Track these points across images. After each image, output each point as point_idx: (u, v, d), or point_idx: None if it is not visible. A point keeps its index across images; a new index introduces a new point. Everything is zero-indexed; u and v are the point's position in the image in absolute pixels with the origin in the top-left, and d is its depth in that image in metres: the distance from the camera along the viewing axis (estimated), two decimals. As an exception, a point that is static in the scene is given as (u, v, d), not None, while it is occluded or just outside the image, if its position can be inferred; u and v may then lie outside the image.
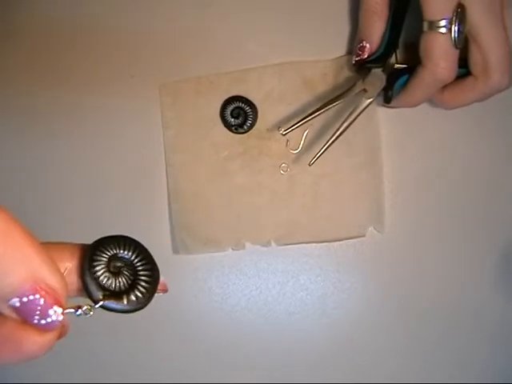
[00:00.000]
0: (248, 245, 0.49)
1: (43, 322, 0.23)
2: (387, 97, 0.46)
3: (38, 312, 0.22)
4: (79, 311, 0.24)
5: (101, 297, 0.24)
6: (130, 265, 0.25)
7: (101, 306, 0.24)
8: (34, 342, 0.23)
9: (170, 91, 0.48)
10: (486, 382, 0.50)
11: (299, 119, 0.44)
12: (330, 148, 0.49)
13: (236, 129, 0.49)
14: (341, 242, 0.50)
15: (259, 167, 0.49)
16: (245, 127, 0.49)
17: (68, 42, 0.48)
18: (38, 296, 0.22)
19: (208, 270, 0.49)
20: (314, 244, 0.50)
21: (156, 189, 0.48)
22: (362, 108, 0.45)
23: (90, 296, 0.24)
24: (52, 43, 0.48)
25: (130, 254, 0.25)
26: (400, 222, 0.51)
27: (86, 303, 0.24)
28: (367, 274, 0.51)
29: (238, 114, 0.48)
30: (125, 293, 0.25)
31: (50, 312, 0.22)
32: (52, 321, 0.23)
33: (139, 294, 0.25)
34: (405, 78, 0.45)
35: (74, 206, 0.47)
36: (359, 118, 0.45)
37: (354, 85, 0.45)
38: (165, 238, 0.48)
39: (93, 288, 0.24)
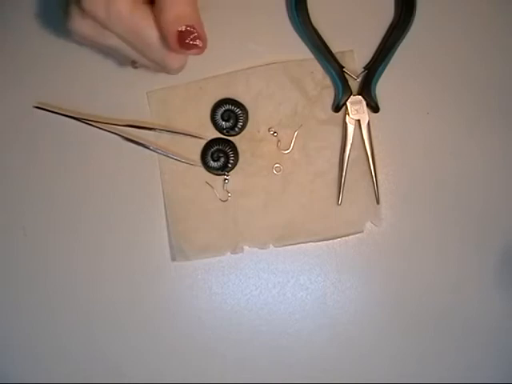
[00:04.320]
0: (246, 248, 0.50)
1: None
2: (374, 108, 0.48)
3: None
4: None
5: None
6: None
7: None
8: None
9: (158, 98, 0.49)
10: (485, 382, 0.49)
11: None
12: (323, 147, 0.49)
13: (228, 131, 0.49)
14: (341, 242, 0.50)
15: (253, 169, 0.49)
16: (236, 129, 0.49)
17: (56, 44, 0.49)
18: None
19: (208, 269, 0.50)
20: (314, 244, 0.50)
21: (152, 196, 0.49)
22: (367, 131, 0.48)
23: None
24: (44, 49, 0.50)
25: None
26: (399, 222, 0.50)
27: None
28: (367, 274, 0.50)
29: (229, 116, 0.48)
30: None
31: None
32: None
33: None
34: (375, 80, 0.48)
35: (71, 214, 0.50)
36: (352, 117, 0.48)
37: (347, 126, 0.48)
38: (163, 245, 0.49)
39: None
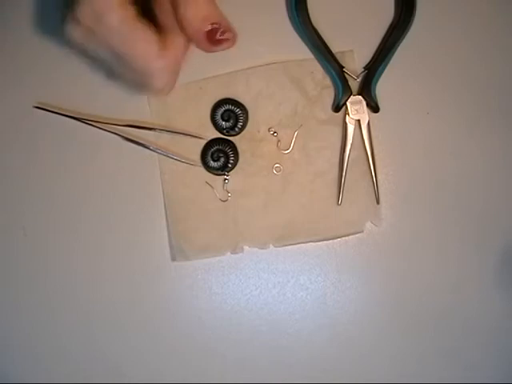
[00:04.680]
0: (246, 248, 0.50)
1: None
2: (374, 108, 0.48)
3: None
4: None
5: None
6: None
7: None
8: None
9: (158, 98, 0.48)
10: (485, 382, 0.49)
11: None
12: (323, 147, 0.49)
13: (228, 132, 0.49)
14: (341, 242, 0.50)
15: (253, 169, 0.49)
16: (236, 129, 0.49)
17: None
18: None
19: (208, 270, 0.50)
20: (314, 244, 0.50)
21: (152, 196, 0.49)
22: (367, 131, 0.48)
23: None
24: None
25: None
26: (399, 222, 0.50)
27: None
28: (367, 274, 0.50)
29: (229, 116, 0.48)
30: None
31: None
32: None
33: None
34: (375, 80, 0.48)
35: (71, 214, 0.50)
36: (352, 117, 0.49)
37: (347, 126, 0.48)
38: (163, 245, 0.49)
39: None
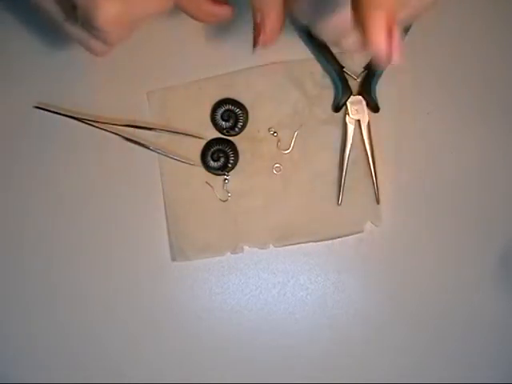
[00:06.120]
0: (246, 248, 0.50)
1: None
2: (374, 108, 0.48)
3: None
4: None
5: None
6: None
7: None
8: None
9: (158, 98, 0.49)
10: (485, 382, 0.49)
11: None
12: (323, 147, 0.49)
13: (228, 131, 0.49)
14: (341, 242, 0.50)
15: (253, 169, 0.49)
16: (236, 129, 0.49)
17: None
18: None
19: (208, 270, 0.50)
20: (314, 244, 0.50)
21: (152, 197, 0.49)
22: (367, 131, 0.48)
23: None
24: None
25: None
26: (400, 222, 0.49)
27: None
28: (367, 274, 0.50)
29: (229, 116, 0.48)
30: None
31: None
32: None
33: None
34: (375, 80, 0.48)
35: (71, 215, 0.50)
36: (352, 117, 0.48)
37: (347, 126, 0.48)
38: (163, 245, 0.49)
39: None
